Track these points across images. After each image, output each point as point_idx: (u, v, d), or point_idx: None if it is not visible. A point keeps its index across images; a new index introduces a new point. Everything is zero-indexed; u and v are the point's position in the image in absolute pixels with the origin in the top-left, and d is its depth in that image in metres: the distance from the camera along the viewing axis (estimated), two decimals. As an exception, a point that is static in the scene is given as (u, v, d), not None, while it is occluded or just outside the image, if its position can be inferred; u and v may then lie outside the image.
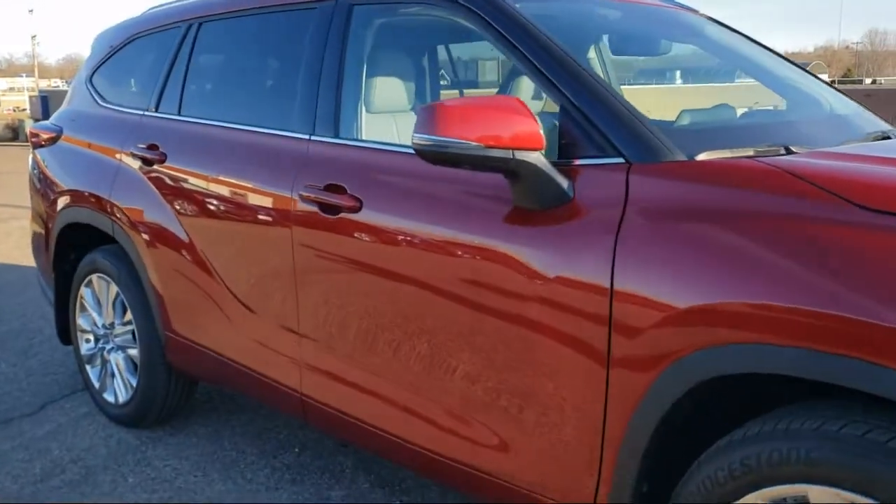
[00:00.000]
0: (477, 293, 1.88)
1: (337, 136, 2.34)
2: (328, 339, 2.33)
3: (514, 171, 1.74)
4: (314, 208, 2.28)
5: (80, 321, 3.46)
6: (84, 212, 3.28)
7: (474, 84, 3.75)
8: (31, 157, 3.77)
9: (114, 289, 3.22)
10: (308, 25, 2.50)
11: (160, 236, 2.91)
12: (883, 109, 2.90)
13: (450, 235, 1.94)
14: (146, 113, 3.13)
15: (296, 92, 2.48)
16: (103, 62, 3.58)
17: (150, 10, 3.52)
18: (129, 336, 3.21)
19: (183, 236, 2.82)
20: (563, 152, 1.82)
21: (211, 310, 2.77)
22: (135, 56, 3.44)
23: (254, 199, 2.54)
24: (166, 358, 3.05)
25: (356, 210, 2.16)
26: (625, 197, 1.67)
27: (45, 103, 19.72)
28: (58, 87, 40.83)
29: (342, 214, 2.20)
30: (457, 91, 3.41)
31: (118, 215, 3.07)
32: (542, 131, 1.73)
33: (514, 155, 1.71)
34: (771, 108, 2.49)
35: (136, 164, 3.03)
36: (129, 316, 3.18)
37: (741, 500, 1.47)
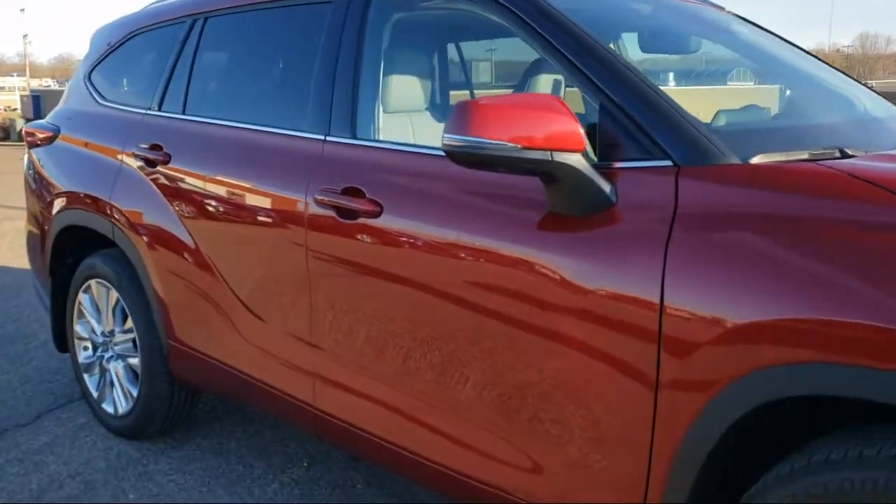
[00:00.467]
0: (507, 305, 1.76)
1: (354, 136, 2.21)
2: (347, 352, 2.20)
3: (552, 173, 1.63)
4: (330, 213, 2.15)
5: (78, 328, 3.32)
6: (83, 214, 3.15)
7: (495, 84, 3.64)
8: (26, 156, 3.64)
9: (114, 295, 3.08)
10: (323, 19, 2.37)
11: (164, 240, 2.78)
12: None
13: (478, 243, 1.82)
14: (148, 112, 3.00)
15: (309, 90, 2.36)
16: (103, 59, 3.45)
17: (150, 5, 3.39)
18: (130, 344, 3.08)
19: (188, 241, 2.69)
20: (603, 154, 1.71)
21: (217, 318, 2.64)
22: (136, 53, 3.31)
23: (264, 203, 2.41)
24: (169, 367, 2.92)
25: (376, 215, 2.04)
26: (674, 202, 1.55)
27: (38, 103, 19.59)
28: (49, 86, 40.57)
29: (361, 219, 2.08)
30: (470, 91, 3.29)
31: (119, 218, 2.94)
32: (582, 132, 1.61)
33: (552, 157, 1.59)
34: (808, 109, 2.37)
35: (138, 164, 2.90)
36: (129, 323, 3.05)
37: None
